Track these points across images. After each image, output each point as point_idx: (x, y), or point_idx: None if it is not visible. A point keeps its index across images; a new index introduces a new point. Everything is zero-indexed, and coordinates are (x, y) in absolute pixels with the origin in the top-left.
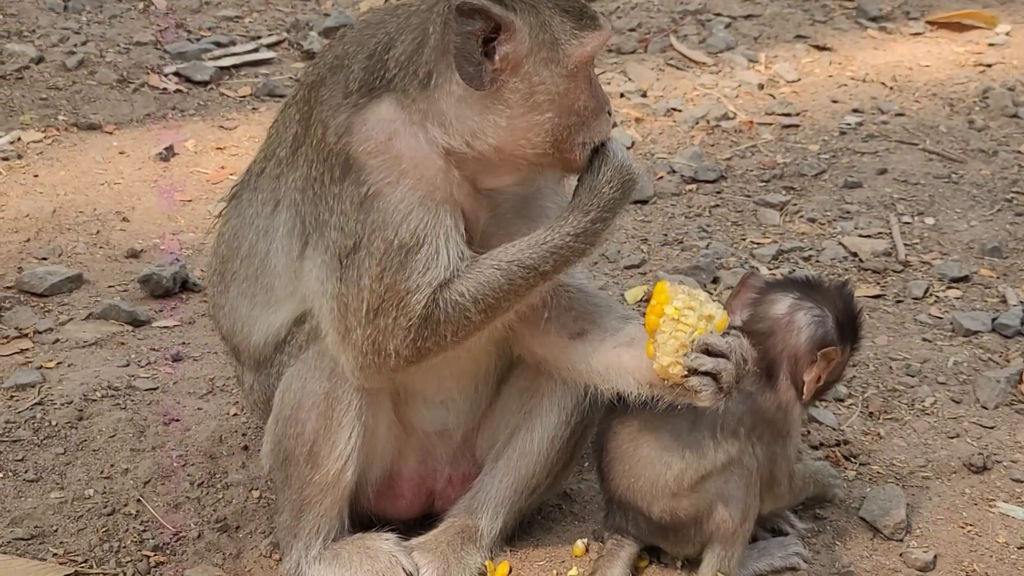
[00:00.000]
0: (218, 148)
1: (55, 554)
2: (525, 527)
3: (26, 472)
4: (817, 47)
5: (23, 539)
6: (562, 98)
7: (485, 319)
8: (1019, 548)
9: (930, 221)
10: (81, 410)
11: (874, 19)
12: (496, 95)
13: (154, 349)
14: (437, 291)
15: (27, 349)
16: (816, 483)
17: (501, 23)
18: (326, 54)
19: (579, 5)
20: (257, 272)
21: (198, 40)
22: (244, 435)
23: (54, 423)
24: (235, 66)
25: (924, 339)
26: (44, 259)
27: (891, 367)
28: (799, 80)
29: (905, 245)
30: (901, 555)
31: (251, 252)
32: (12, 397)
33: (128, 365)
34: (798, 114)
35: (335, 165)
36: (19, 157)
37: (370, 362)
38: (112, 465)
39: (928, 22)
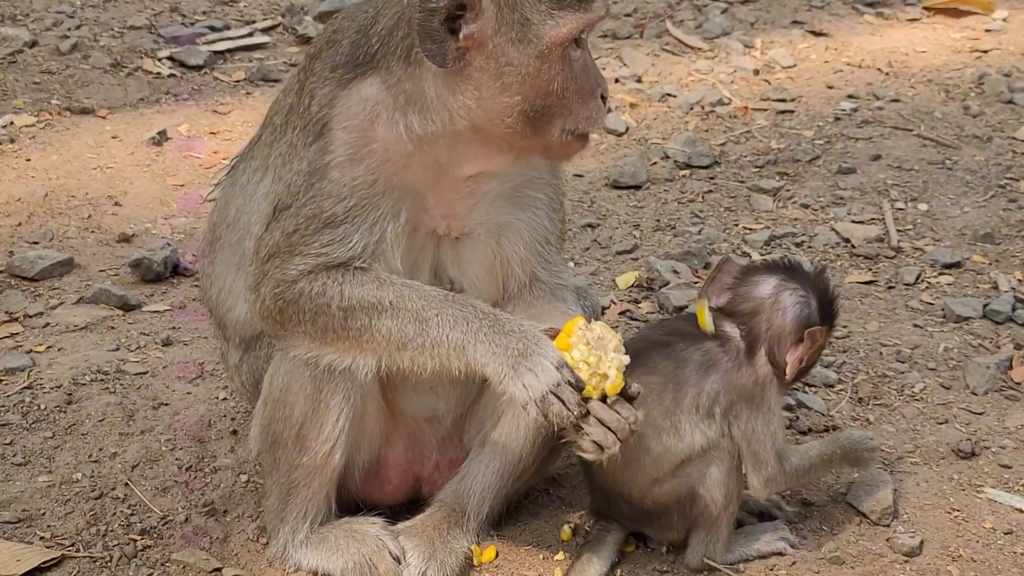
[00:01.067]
0: (211, 133)
1: (42, 537)
2: (512, 511)
3: (14, 456)
4: (813, 33)
5: (10, 523)
6: (534, 80)
7: (344, 324)
8: (1006, 533)
9: (923, 207)
10: (70, 394)
11: (871, 4)
12: (464, 74)
13: (144, 333)
14: (321, 269)
15: (17, 333)
16: (839, 458)
17: (465, 1)
18: (328, 27)
19: None
20: (240, 238)
21: (192, 24)
22: (233, 419)
23: (43, 407)
24: (229, 50)
25: (915, 325)
26: (35, 243)
27: (881, 353)
28: (795, 66)
29: (898, 231)
30: (888, 540)
31: (237, 218)
32: (1, 381)
33: (118, 349)
34: (793, 100)
35: (311, 132)
36: (11, 141)
37: (252, 299)
38: (100, 449)
39: (925, 8)
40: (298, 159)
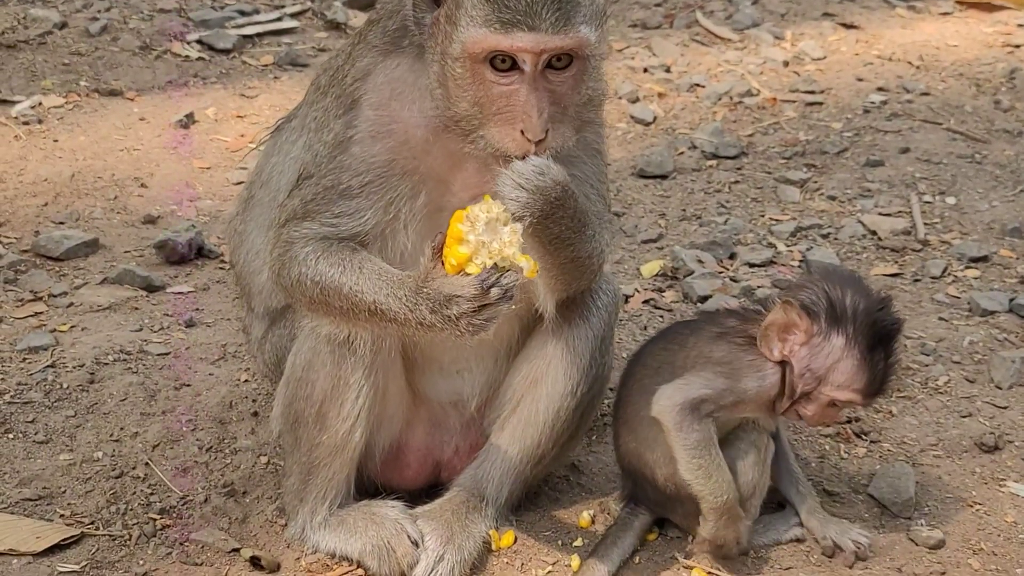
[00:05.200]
0: (238, 116)
1: (62, 515)
2: (532, 497)
3: (36, 434)
4: (844, 25)
5: (31, 500)
6: (452, 81)
7: (321, 298)
8: None
9: (951, 201)
10: (93, 373)
11: None
12: (430, 55)
13: (167, 314)
14: (319, 238)
15: (41, 312)
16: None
17: None
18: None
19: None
20: (272, 197)
21: (222, 8)
22: (254, 401)
23: (65, 386)
24: (258, 35)
25: (940, 318)
26: (61, 223)
27: (906, 345)
28: (824, 58)
29: (925, 224)
30: (909, 532)
31: (270, 177)
32: (25, 359)
33: (141, 330)
34: (822, 92)
35: (343, 104)
36: (40, 122)
37: (269, 262)
38: (122, 428)
39: (957, 2)
40: (327, 129)
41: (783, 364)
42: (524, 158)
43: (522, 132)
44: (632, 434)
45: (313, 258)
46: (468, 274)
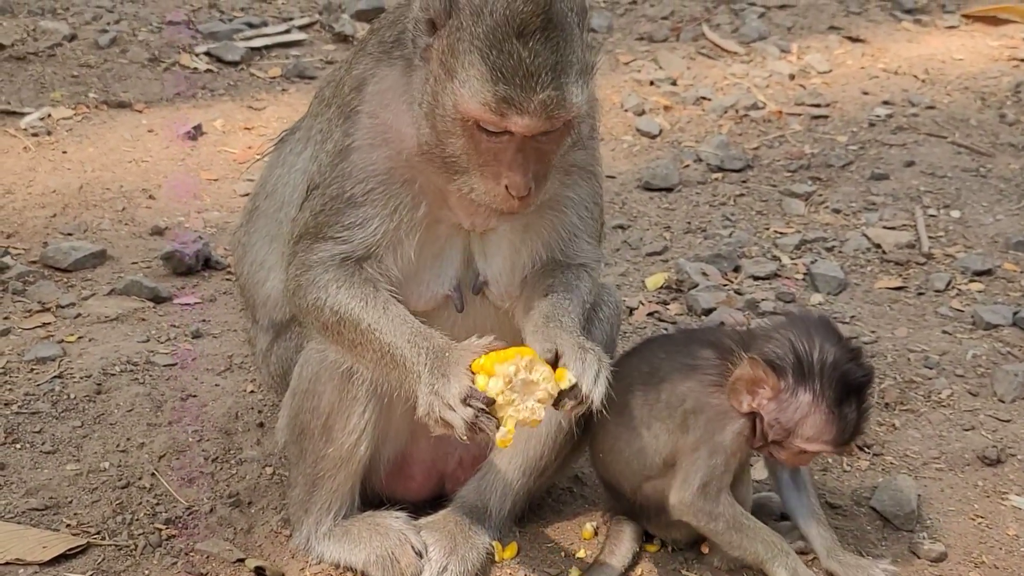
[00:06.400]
0: (246, 128)
1: (68, 525)
2: (535, 509)
3: (43, 444)
4: (850, 38)
5: (37, 509)
6: (440, 123)
7: (335, 326)
8: None
9: (955, 214)
10: (100, 384)
11: (909, 11)
12: (421, 71)
13: (174, 325)
14: (336, 263)
15: (49, 323)
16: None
17: (435, 18)
18: (396, 9)
19: (512, 64)
20: (277, 208)
21: (230, 20)
22: (260, 412)
23: (73, 396)
24: (266, 47)
25: (944, 331)
26: (69, 235)
27: (909, 359)
28: (831, 71)
29: (929, 238)
30: (911, 545)
31: (275, 188)
32: (32, 370)
33: (148, 341)
34: (828, 105)
35: (343, 113)
36: (48, 133)
37: (284, 279)
38: (128, 439)
39: (964, 15)
40: (330, 139)
41: (753, 414)
42: (509, 211)
43: (506, 187)
44: (600, 446)
45: (335, 287)
46: (476, 383)
